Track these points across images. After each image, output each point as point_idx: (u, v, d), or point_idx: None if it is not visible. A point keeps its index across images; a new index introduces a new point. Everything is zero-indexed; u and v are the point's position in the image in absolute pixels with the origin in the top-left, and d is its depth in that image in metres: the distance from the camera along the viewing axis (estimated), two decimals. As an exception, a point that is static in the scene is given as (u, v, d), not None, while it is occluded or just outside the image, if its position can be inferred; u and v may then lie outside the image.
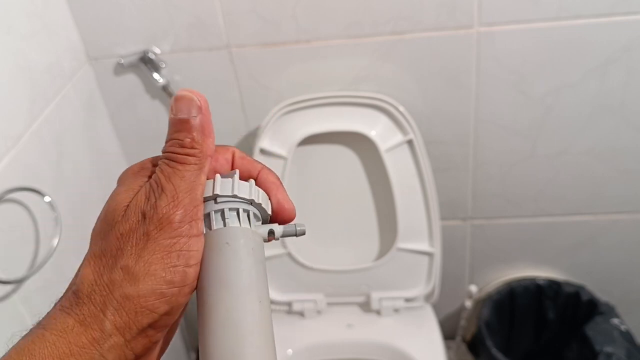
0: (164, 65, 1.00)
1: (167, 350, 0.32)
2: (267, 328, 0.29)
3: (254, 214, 0.32)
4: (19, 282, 0.72)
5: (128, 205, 0.30)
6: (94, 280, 0.28)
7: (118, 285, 0.28)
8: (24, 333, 0.28)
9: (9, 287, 0.72)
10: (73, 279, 0.30)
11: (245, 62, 0.99)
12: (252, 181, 0.33)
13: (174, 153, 0.30)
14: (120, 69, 1.01)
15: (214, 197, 0.31)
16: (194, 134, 0.30)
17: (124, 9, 0.95)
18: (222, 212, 0.31)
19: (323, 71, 0.99)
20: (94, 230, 0.31)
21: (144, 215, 0.29)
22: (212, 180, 0.32)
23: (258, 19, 0.94)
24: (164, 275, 0.28)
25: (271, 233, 0.33)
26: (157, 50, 0.99)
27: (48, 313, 0.29)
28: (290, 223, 0.33)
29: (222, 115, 1.06)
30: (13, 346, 0.27)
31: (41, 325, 0.28)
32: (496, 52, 0.94)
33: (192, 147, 0.30)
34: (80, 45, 0.99)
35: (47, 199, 0.77)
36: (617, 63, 0.92)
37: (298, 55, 0.97)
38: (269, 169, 0.34)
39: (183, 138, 0.30)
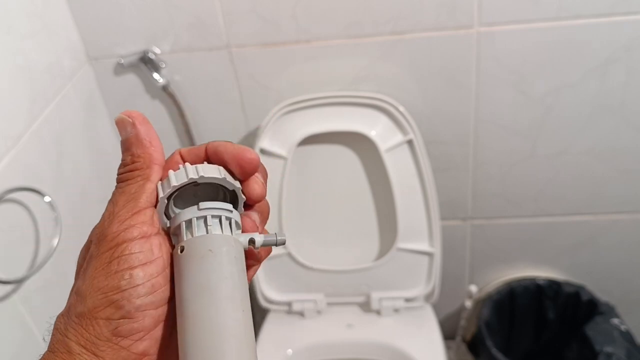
0: (164, 65, 1.00)
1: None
2: (249, 337, 0.28)
3: (236, 222, 0.32)
4: (19, 282, 0.72)
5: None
6: (61, 313, 0.30)
7: (73, 307, 0.29)
8: None
9: (9, 287, 0.72)
10: None
11: (245, 62, 0.99)
12: (187, 163, 0.32)
13: (119, 175, 0.31)
14: (120, 69, 1.01)
15: (196, 204, 0.31)
16: (133, 149, 0.31)
17: (124, 9, 0.95)
18: (205, 219, 0.31)
19: (323, 71, 0.99)
20: None
21: (91, 242, 0.30)
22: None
23: (258, 19, 0.94)
24: (107, 283, 0.28)
25: (252, 242, 0.32)
26: (157, 50, 0.99)
27: None
28: (271, 233, 0.33)
29: (222, 115, 1.06)
30: None
31: None
32: (496, 52, 0.94)
33: (133, 162, 0.31)
34: (80, 45, 0.99)
35: (47, 199, 0.77)
36: (617, 63, 0.92)
37: (298, 55, 0.97)
38: (214, 141, 0.34)
39: (125, 158, 0.32)
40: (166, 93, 1.02)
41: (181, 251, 0.30)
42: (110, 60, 1.01)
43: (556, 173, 1.06)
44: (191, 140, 1.06)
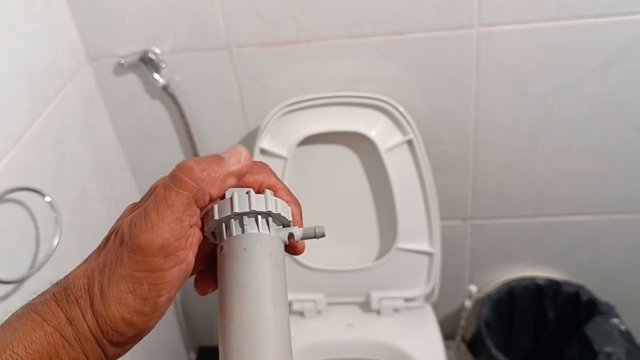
0: (164, 65, 1.00)
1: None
2: (282, 333, 0.30)
3: (274, 218, 0.33)
4: (19, 282, 0.72)
5: (115, 227, 0.32)
6: (82, 285, 0.30)
7: (96, 300, 0.30)
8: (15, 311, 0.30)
9: (9, 287, 0.72)
10: (69, 274, 0.32)
11: (245, 62, 0.99)
12: (268, 192, 0.34)
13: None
14: (120, 69, 1.01)
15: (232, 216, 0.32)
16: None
17: (124, 9, 0.95)
18: (241, 219, 0.32)
19: (323, 71, 0.99)
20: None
21: (122, 238, 0.30)
22: (228, 199, 0.32)
23: (258, 19, 0.94)
24: (134, 305, 0.29)
25: (291, 236, 0.34)
26: (157, 50, 0.99)
27: (42, 299, 0.31)
28: (309, 226, 0.35)
29: (222, 116, 1.06)
30: (7, 324, 0.29)
31: (38, 313, 0.29)
32: (496, 52, 0.94)
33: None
34: (80, 45, 0.99)
35: (47, 199, 0.77)
36: (617, 63, 0.92)
37: (298, 55, 0.97)
38: (284, 190, 0.35)
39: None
40: (166, 93, 1.02)
41: (220, 251, 0.32)
42: (110, 60, 1.01)
43: (556, 173, 1.06)
44: (191, 141, 1.06)
